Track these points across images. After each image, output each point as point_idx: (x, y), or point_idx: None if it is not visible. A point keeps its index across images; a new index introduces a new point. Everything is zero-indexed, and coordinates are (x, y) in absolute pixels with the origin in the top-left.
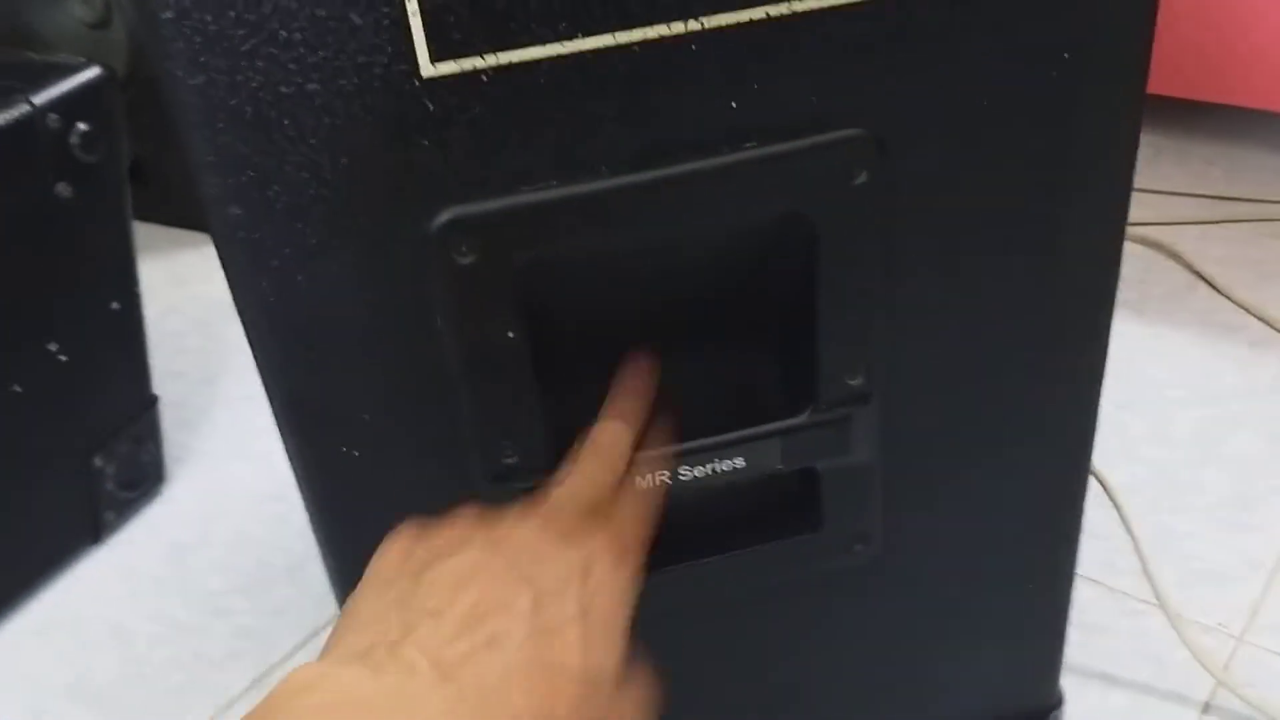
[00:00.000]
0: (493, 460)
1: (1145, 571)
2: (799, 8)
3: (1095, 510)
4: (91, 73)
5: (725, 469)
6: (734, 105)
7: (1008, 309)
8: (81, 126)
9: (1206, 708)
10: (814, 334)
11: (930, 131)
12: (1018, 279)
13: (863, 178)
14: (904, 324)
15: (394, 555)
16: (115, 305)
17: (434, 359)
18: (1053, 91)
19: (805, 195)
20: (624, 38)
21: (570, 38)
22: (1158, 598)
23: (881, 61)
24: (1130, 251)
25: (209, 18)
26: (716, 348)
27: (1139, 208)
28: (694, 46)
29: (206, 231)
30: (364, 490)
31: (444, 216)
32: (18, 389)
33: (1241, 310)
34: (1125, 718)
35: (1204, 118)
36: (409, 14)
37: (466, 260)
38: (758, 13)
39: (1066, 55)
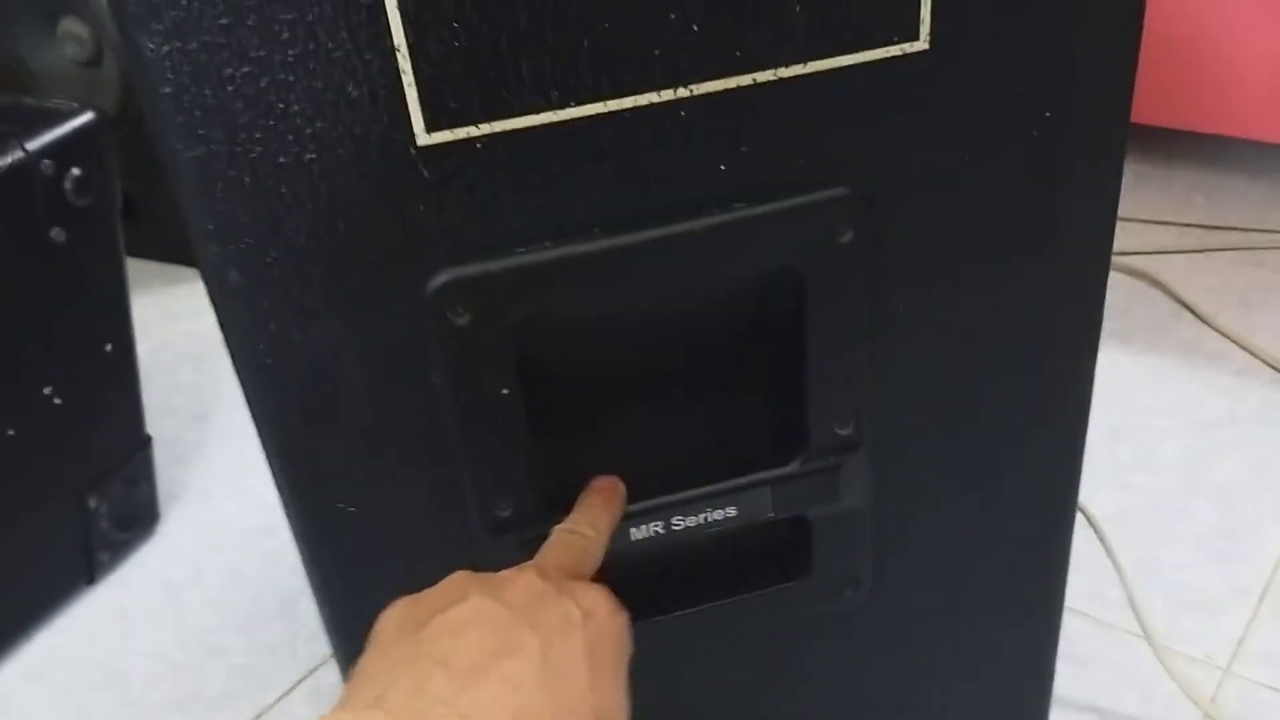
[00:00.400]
0: (489, 513)
1: (1132, 604)
2: (785, 74)
3: (1083, 542)
4: (85, 117)
5: (717, 518)
6: (723, 167)
7: (993, 354)
8: (75, 171)
9: None
10: (803, 385)
11: (915, 189)
12: (1003, 325)
13: (848, 236)
14: (892, 373)
15: (394, 617)
16: (109, 347)
17: (430, 416)
18: (1035, 147)
19: (793, 253)
20: (615, 105)
21: (563, 106)
22: (1144, 630)
23: (867, 123)
24: (1115, 281)
25: (208, 92)
26: (708, 398)
27: (1123, 236)
28: (683, 112)
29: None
30: (360, 544)
31: (440, 279)
32: (11, 432)
33: (1226, 339)
34: None
35: (1187, 145)
36: (405, 85)
37: (462, 320)
38: (745, 79)
39: (1048, 114)
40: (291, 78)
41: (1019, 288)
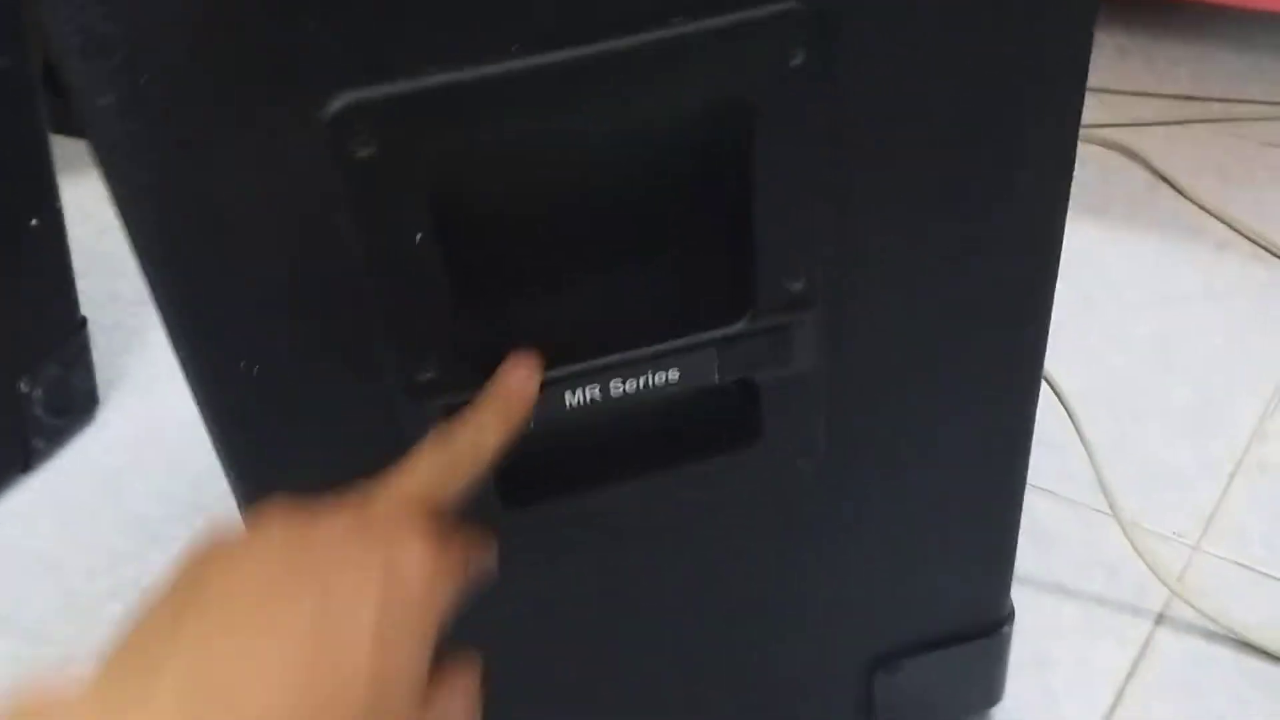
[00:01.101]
0: (408, 376)
1: (1100, 481)
2: None
3: (1051, 419)
4: None
5: (659, 382)
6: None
7: (959, 207)
8: None
9: (1161, 618)
10: (752, 232)
11: (871, 5)
12: (969, 176)
13: (800, 58)
14: (850, 228)
15: (193, 561)
16: (34, 222)
17: (339, 263)
18: None
19: (739, 78)
20: None
21: None
22: (1111, 507)
23: None
24: (1092, 154)
25: None
26: (650, 251)
27: (1101, 109)
28: None
29: None
30: (269, 413)
31: (338, 103)
32: None
33: (1204, 213)
34: (1079, 629)
35: (1171, 17)
36: None
37: (365, 152)
38: None
39: None
40: None
41: (987, 134)
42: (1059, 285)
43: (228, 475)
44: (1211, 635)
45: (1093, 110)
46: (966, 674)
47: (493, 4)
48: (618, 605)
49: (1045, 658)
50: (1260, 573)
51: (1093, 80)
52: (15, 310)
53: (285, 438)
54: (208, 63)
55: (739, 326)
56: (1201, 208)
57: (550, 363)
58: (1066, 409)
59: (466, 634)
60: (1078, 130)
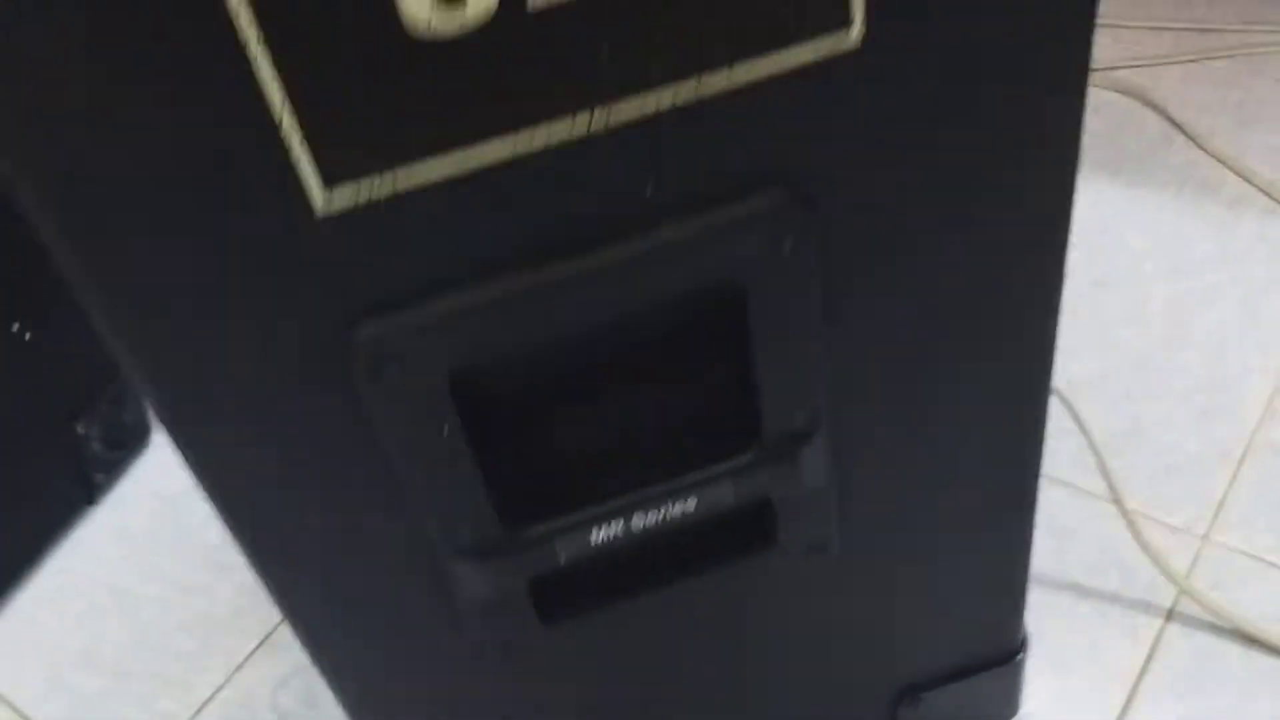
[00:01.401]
0: (450, 540)
1: (1107, 476)
2: (707, 91)
3: (1063, 409)
4: None
5: (677, 513)
6: (649, 190)
7: (952, 338)
8: None
9: (1171, 614)
10: (753, 383)
11: (858, 187)
12: (961, 313)
13: (790, 244)
14: (845, 355)
15: None
16: None
17: (370, 457)
18: (986, 134)
19: (731, 267)
20: (527, 139)
21: (469, 144)
22: (1119, 504)
23: (802, 125)
24: (1106, 101)
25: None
26: (660, 392)
27: (1116, 46)
28: (601, 137)
29: None
30: (327, 597)
31: (365, 334)
32: None
33: (1219, 164)
34: (1093, 627)
35: None
36: (294, 148)
37: (393, 376)
38: (664, 99)
39: (997, 100)
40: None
41: (975, 260)
42: (1079, 258)
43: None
44: (1220, 630)
45: (1106, 48)
46: (985, 698)
47: (494, 230)
48: (650, 672)
49: (1060, 660)
50: (1268, 563)
51: (1108, 13)
52: (64, 360)
53: (348, 618)
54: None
55: (749, 457)
56: (1216, 159)
57: (574, 505)
58: (1075, 418)
59: None
60: (1067, 231)
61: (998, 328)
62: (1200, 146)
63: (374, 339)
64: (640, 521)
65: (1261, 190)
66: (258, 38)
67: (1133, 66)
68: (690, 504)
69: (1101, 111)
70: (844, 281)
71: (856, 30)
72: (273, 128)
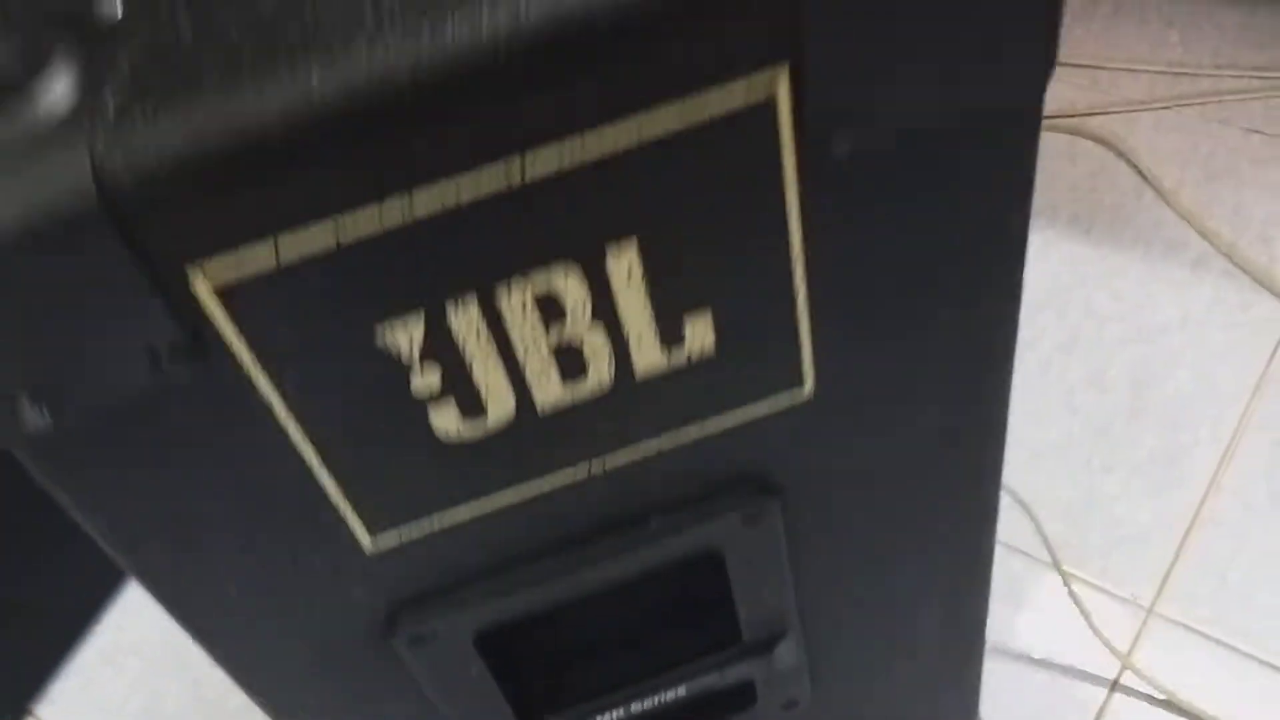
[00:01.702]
0: None
1: (1053, 554)
2: (686, 439)
3: (1023, 477)
4: None
5: (670, 698)
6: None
7: (908, 556)
8: None
9: (1115, 685)
10: (733, 608)
11: (822, 486)
12: (913, 532)
13: (760, 523)
14: (810, 581)
15: None
16: None
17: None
18: (930, 424)
19: (712, 540)
20: (534, 489)
21: (489, 494)
22: (1065, 579)
23: (761, 447)
24: (1084, 149)
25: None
26: (656, 608)
27: (1095, 90)
28: (594, 481)
29: None
30: None
31: (405, 620)
32: None
33: (1184, 223)
34: (1043, 698)
35: None
36: (346, 514)
37: (426, 647)
38: (650, 449)
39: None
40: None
41: (917, 503)
42: (1049, 319)
43: None
44: (1161, 703)
45: (1084, 92)
46: None
47: (514, 537)
48: None
49: None
50: (1207, 637)
51: (1085, 53)
52: None
53: None
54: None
55: (731, 653)
56: (1182, 216)
57: (582, 698)
58: (1029, 515)
59: None
60: (998, 489)
61: (941, 525)
62: (1168, 203)
63: (412, 624)
64: (638, 707)
65: (1222, 252)
66: (309, 446)
67: (1108, 113)
68: (681, 690)
69: (1078, 162)
70: (805, 538)
71: (809, 387)
72: (328, 502)
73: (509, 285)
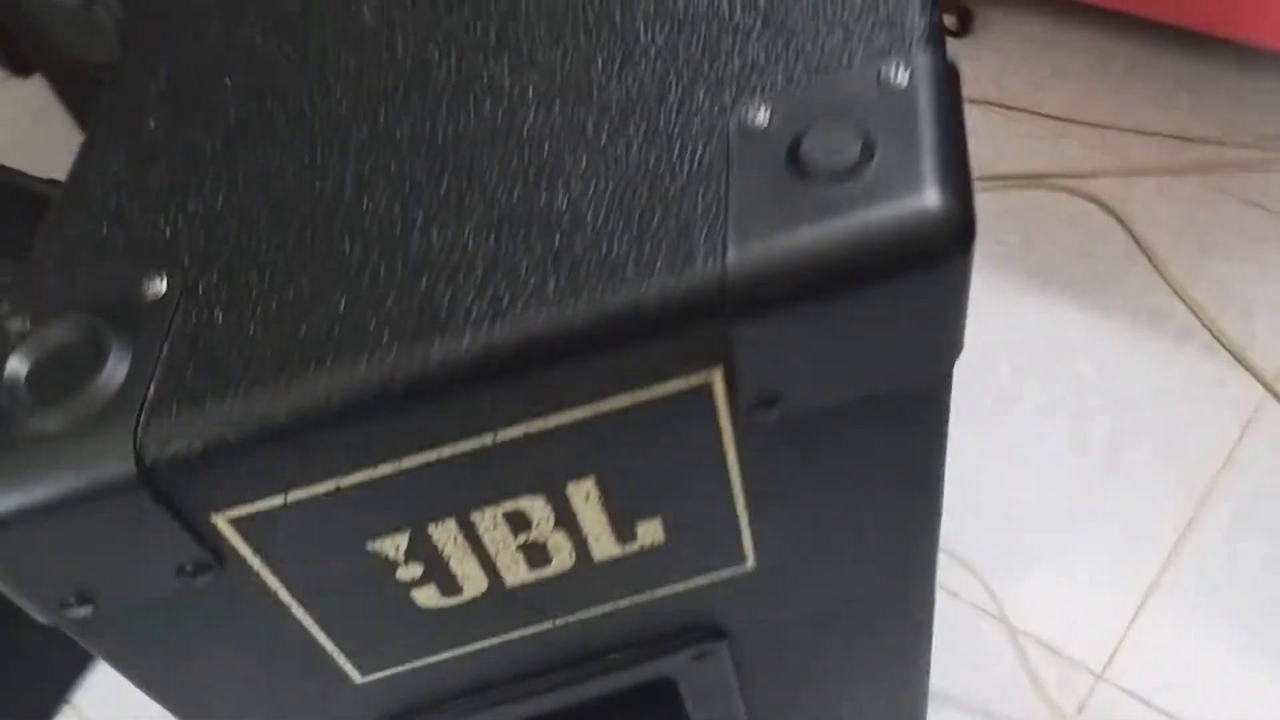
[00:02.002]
0: None
1: (1006, 616)
2: (639, 601)
3: (990, 536)
4: None
5: None
6: (599, 650)
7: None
8: None
9: None
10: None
11: (755, 619)
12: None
13: (709, 660)
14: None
15: None
16: None
17: None
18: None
19: (664, 671)
20: (505, 636)
21: (464, 644)
22: (1014, 637)
23: (709, 603)
24: (1083, 211)
25: None
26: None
27: (1102, 151)
28: (561, 629)
29: None
30: None
31: None
32: None
33: (1172, 293)
34: None
35: (1181, 34)
36: (333, 652)
37: None
38: (607, 608)
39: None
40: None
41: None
42: (1033, 383)
43: None
44: None
45: (1094, 151)
46: None
47: (488, 673)
48: None
49: None
50: (1152, 706)
51: (1098, 110)
52: None
53: None
54: None
55: None
56: (1171, 286)
57: None
58: (987, 589)
59: None
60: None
61: (879, 653)
62: (1159, 271)
63: None
64: None
65: (1205, 326)
66: (308, 617)
67: (1111, 176)
68: None
69: (1078, 225)
70: (754, 669)
71: (751, 563)
72: (324, 653)
73: (482, 510)
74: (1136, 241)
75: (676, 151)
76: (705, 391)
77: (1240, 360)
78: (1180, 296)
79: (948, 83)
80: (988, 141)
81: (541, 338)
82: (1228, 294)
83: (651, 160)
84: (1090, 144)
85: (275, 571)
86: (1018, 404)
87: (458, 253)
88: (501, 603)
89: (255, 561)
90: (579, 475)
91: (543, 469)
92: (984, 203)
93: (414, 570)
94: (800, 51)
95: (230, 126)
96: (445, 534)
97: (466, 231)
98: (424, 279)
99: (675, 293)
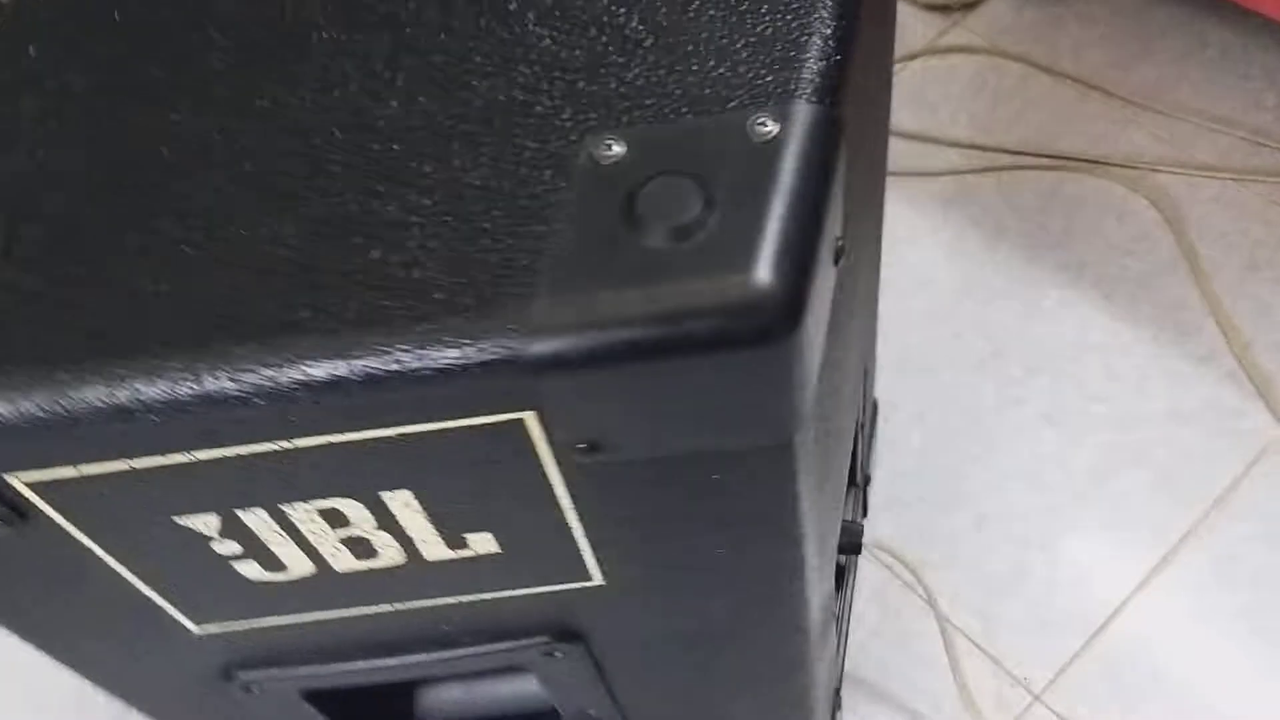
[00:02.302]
0: None
1: (944, 624)
2: (483, 598)
3: (959, 537)
4: None
5: None
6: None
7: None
8: None
9: None
10: None
11: (626, 632)
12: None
13: (564, 657)
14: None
15: None
16: None
17: None
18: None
19: (517, 664)
20: (348, 614)
21: (300, 612)
22: (948, 649)
23: (558, 608)
24: (1136, 209)
25: None
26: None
27: (1168, 145)
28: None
29: None
30: None
31: (236, 684)
32: None
33: (1207, 310)
34: None
35: None
36: (163, 604)
37: (257, 701)
38: (450, 601)
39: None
40: None
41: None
42: (1041, 385)
43: None
44: None
45: (1159, 143)
46: None
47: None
48: None
49: None
50: None
51: (1174, 98)
52: None
53: None
54: None
55: None
56: (1207, 301)
57: None
58: (929, 597)
59: None
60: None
61: (754, 663)
62: (1198, 283)
63: (241, 678)
64: None
65: (1233, 351)
66: (128, 572)
67: (1173, 172)
68: None
69: (1126, 220)
70: (618, 667)
71: (599, 579)
72: (154, 604)
73: (293, 504)
74: (1182, 247)
75: (520, 175)
76: (518, 428)
77: (1263, 394)
78: (1214, 314)
79: (822, 143)
80: (1053, 116)
81: (331, 359)
82: (1267, 321)
83: (494, 180)
84: (1159, 134)
85: (86, 532)
86: (1019, 405)
87: (272, 252)
88: (333, 584)
89: (62, 521)
90: (393, 487)
91: (351, 477)
92: (1034, 181)
93: (231, 547)
94: (680, 82)
95: (102, 68)
96: (256, 520)
97: (287, 228)
98: (231, 274)
99: (475, 334)
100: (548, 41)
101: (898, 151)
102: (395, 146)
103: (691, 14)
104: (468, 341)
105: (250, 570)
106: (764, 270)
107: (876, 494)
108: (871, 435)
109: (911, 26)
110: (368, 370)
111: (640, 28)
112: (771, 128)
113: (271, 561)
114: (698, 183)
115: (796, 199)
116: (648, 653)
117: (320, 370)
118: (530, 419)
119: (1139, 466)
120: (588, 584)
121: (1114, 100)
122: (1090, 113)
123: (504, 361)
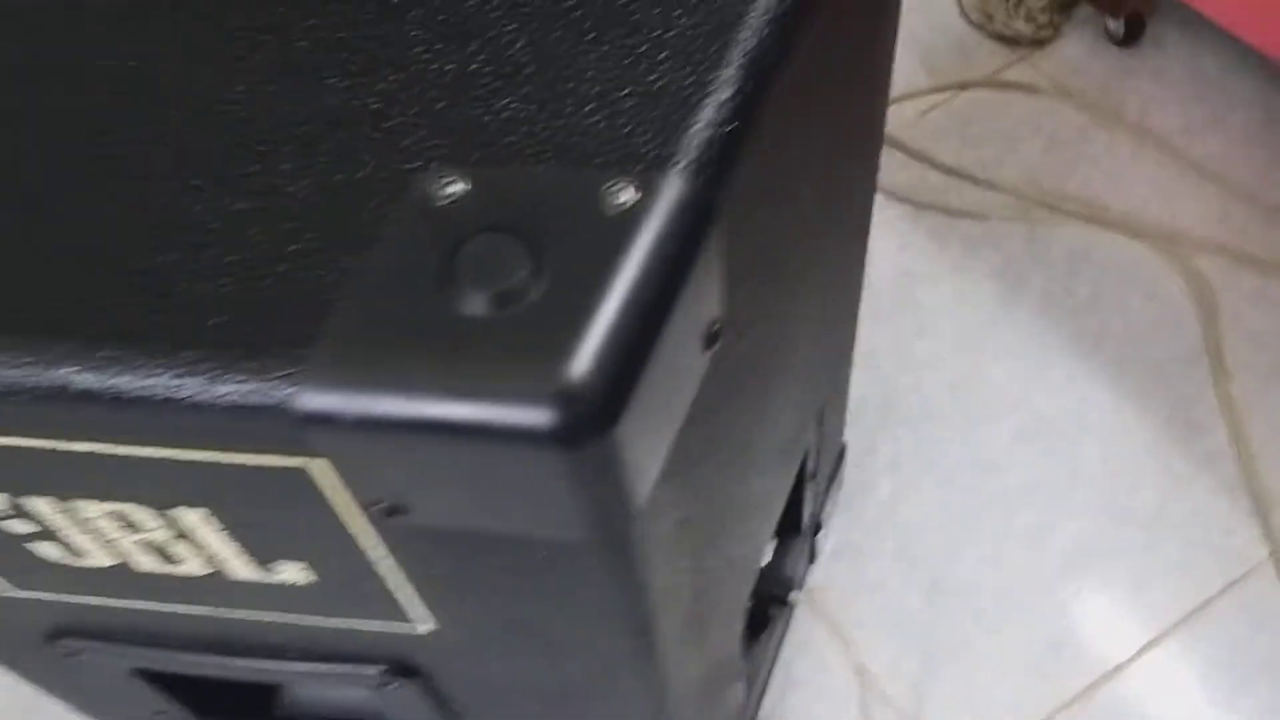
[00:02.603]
0: None
1: (866, 692)
2: (303, 621)
3: (908, 610)
4: None
5: None
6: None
7: None
8: None
9: None
10: None
11: (466, 674)
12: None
13: (398, 688)
14: None
15: None
16: None
17: None
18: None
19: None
20: (156, 607)
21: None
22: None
23: (396, 644)
24: (1169, 288)
25: None
26: None
27: (1218, 225)
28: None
29: None
30: None
31: (60, 649)
32: None
33: (1219, 409)
34: None
35: None
36: None
37: (80, 666)
38: (266, 617)
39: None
40: None
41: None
42: (1030, 456)
43: None
44: None
45: (1210, 221)
46: None
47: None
48: None
49: None
50: None
51: (1233, 174)
52: None
53: None
54: None
55: None
56: (1221, 402)
57: None
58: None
59: None
60: None
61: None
62: (1217, 383)
63: (64, 644)
64: None
65: (1240, 460)
66: None
67: (1217, 254)
68: None
69: (1157, 298)
70: (469, 712)
71: (430, 625)
72: None
73: (81, 500)
74: (1208, 340)
75: (345, 197)
76: (303, 475)
77: (1259, 511)
78: (1227, 418)
79: (686, 224)
80: (1103, 173)
81: (83, 370)
82: None
83: (316, 195)
84: (1211, 209)
85: None
86: (999, 473)
87: (58, 236)
88: (141, 579)
89: None
90: (189, 504)
91: (139, 487)
92: (1068, 239)
93: (22, 528)
94: (549, 124)
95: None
96: (44, 508)
97: (93, 235)
98: (42, 274)
99: (243, 371)
100: (420, 48)
101: (929, 183)
102: (225, 137)
103: (585, 45)
104: (237, 378)
105: (49, 552)
106: (580, 360)
107: (831, 538)
108: (832, 480)
109: (972, 54)
110: (117, 389)
111: (525, 51)
112: (628, 198)
113: (70, 548)
114: (528, 246)
115: (640, 282)
116: (500, 698)
117: (79, 380)
118: (320, 467)
119: (1110, 565)
120: (413, 628)
121: (1172, 167)
122: (1143, 175)
123: (271, 408)
